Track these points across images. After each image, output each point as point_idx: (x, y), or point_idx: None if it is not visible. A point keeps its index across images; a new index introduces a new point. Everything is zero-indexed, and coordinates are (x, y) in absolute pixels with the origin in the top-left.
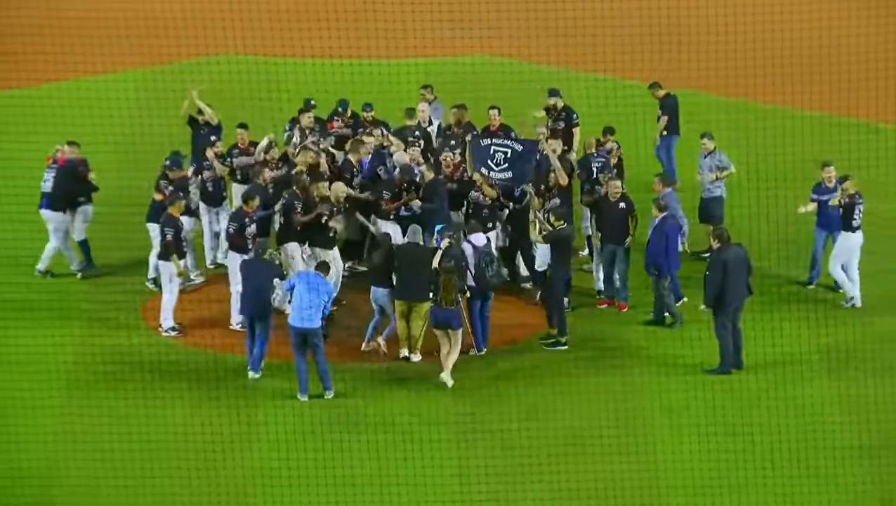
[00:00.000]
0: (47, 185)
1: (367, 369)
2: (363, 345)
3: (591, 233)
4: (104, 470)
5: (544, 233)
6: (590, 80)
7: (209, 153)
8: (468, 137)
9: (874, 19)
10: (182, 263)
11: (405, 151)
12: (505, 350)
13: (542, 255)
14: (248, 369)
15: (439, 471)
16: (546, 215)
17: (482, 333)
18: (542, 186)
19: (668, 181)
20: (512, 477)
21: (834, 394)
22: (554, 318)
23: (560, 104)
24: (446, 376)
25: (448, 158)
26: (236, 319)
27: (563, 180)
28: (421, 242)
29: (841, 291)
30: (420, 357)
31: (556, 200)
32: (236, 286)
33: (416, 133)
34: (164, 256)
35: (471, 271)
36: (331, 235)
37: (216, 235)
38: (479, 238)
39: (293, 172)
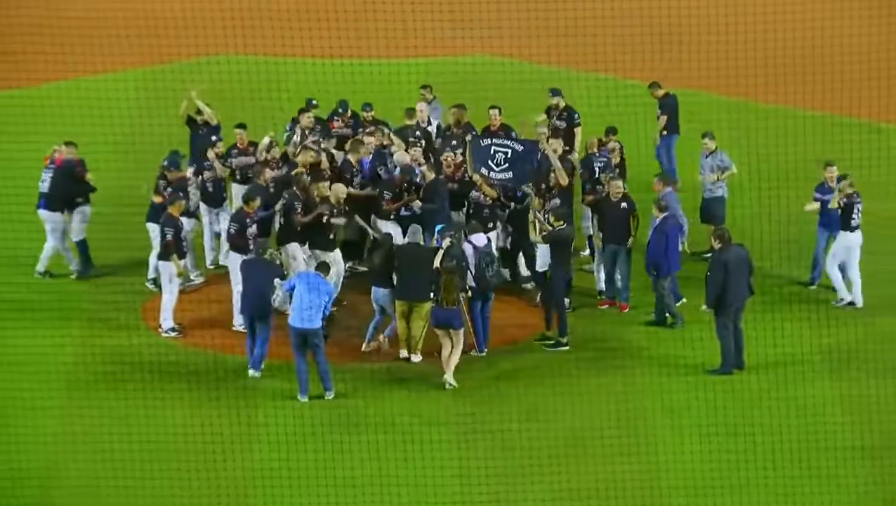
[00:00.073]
0: (45, 185)
1: (368, 370)
2: (363, 345)
3: (591, 233)
4: (104, 471)
5: (544, 233)
6: (591, 80)
7: (210, 154)
8: (468, 138)
9: (876, 19)
10: (182, 263)
11: (406, 151)
12: (506, 351)
13: (543, 255)
14: (249, 368)
15: (440, 472)
16: (546, 216)
17: (483, 334)
18: (543, 187)
19: (667, 181)
20: (513, 478)
21: (835, 394)
22: (552, 319)
23: (562, 104)
24: (450, 378)
25: (449, 158)
26: (239, 321)
27: (564, 181)
28: (421, 242)
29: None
30: (420, 358)
31: (557, 201)
32: (237, 287)
33: (417, 133)
34: (163, 256)
35: (471, 272)
36: (331, 236)
37: (216, 236)
38: (479, 238)
39: (293, 172)
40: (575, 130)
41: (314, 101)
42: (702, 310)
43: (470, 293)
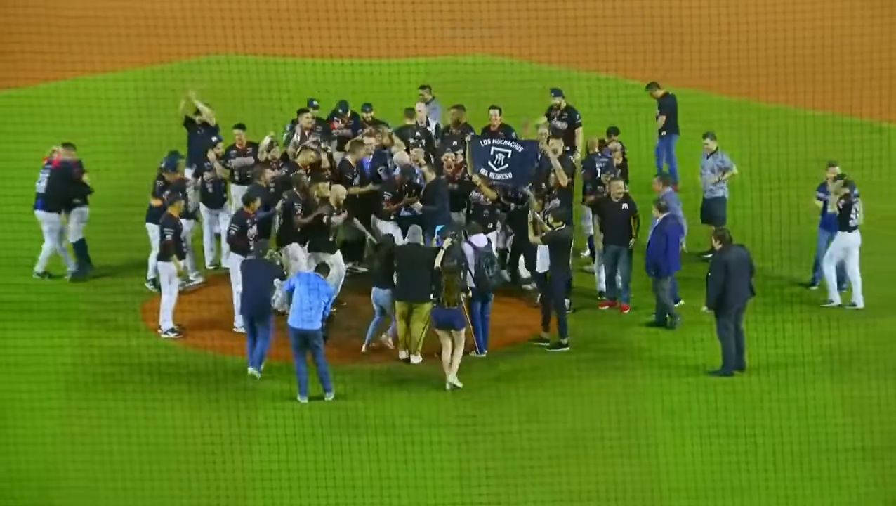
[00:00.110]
0: (41, 185)
1: (368, 371)
2: (363, 346)
3: (591, 233)
4: (103, 472)
5: (543, 234)
6: (591, 80)
7: (211, 155)
8: (468, 138)
9: (878, 18)
10: (182, 263)
11: (407, 151)
12: (506, 352)
13: (543, 256)
14: (249, 367)
15: (440, 473)
16: (545, 217)
17: (483, 335)
18: (543, 187)
19: (667, 181)
20: (513, 479)
21: (837, 396)
22: (549, 321)
23: (563, 104)
24: (453, 379)
25: (449, 159)
26: (239, 322)
27: (564, 181)
28: (421, 243)
29: (842, 290)
30: (420, 359)
31: (556, 202)
32: (237, 287)
33: (417, 134)
34: (163, 256)
35: (471, 272)
36: (331, 238)
37: (216, 237)
38: (479, 239)
39: (293, 173)
40: (576, 130)
41: (315, 102)
42: (702, 311)
43: (471, 293)
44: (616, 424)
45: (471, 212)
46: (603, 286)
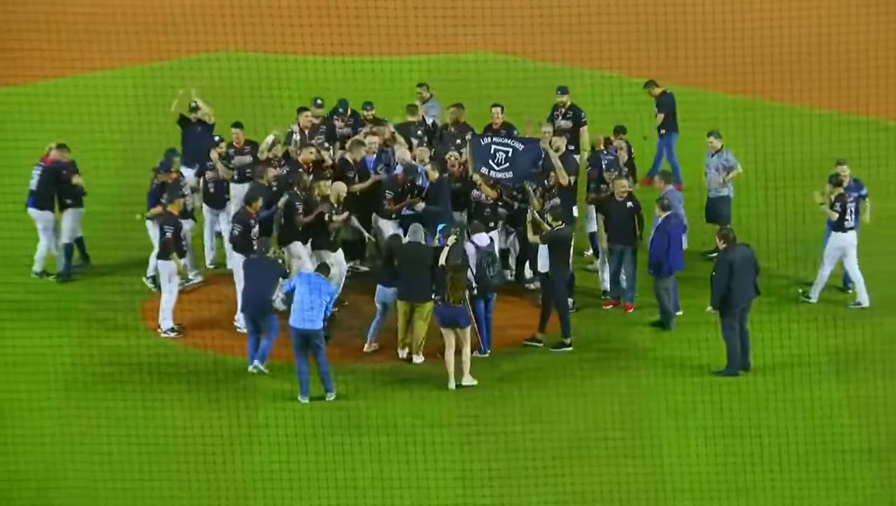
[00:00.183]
0: (33, 183)
1: (369, 371)
2: (365, 346)
3: (593, 230)
4: (102, 472)
5: (542, 233)
6: (595, 78)
7: (213, 154)
8: (468, 136)
9: (884, 16)
10: (182, 262)
11: (410, 149)
12: (509, 352)
13: (543, 256)
14: (253, 362)
15: (442, 474)
16: (545, 216)
17: (486, 335)
18: (543, 186)
19: (668, 179)
20: (516, 480)
21: (843, 396)
22: (547, 321)
23: (568, 102)
24: (468, 379)
25: (453, 158)
26: (241, 321)
27: (564, 180)
28: (423, 241)
29: (847, 290)
30: (423, 358)
31: (557, 200)
32: (241, 285)
33: (419, 132)
34: (163, 255)
35: (472, 271)
36: (332, 237)
37: (217, 235)
38: (481, 238)
39: (295, 171)
40: (581, 129)
41: (320, 101)
42: (707, 311)
43: (475, 291)
44: (620, 424)
45: (472, 210)
46: (607, 285)
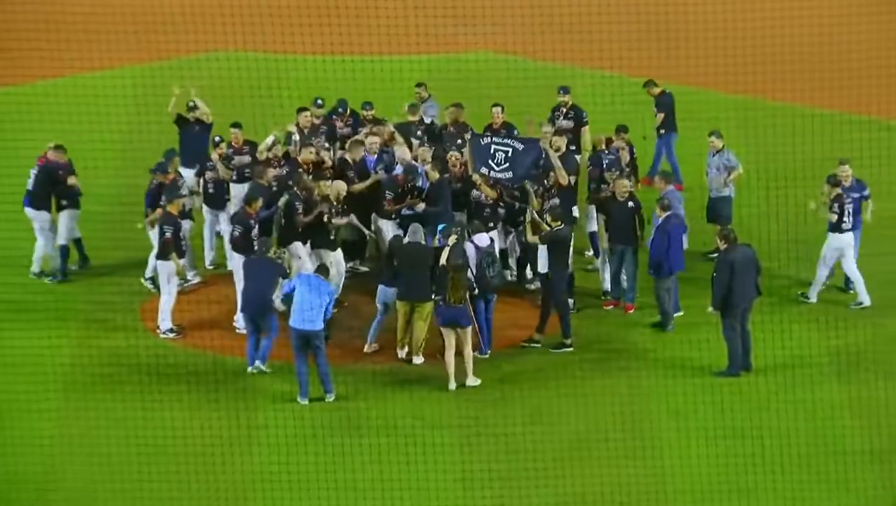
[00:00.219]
0: (30, 182)
1: (369, 372)
2: (365, 347)
3: (593, 230)
4: (101, 474)
5: (541, 234)
6: (596, 77)
7: (214, 155)
8: (467, 136)
9: (885, 15)
10: (182, 262)
11: (410, 148)
12: (509, 352)
13: (542, 256)
14: (255, 362)
15: (442, 475)
16: (544, 216)
17: (486, 335)
18: (543, 185)
19: (669, 179)
20: (516, 482)
21: (844, 397)
22: (546, 322)
23: (570, 102)
24: (472, 380)
25: (454, 158)
26: (241, 322)
27: (563, 180)
28: (422, 241)
29: (849, 290)
30: (423, 359)
31: (556, 200)
32: (241, 286)
33: (419, 131)
34: (162, 255)
35: (472, 271)
36: (332, 236)
37: (217, 236)
38: (482, 238)
39: (294, 171)
40: (583, 129)
41: (320, 101)
42: (708, 311)
43: (476, 291)
44: (620, 425)
45: (471, 211)
46: (607, 286)
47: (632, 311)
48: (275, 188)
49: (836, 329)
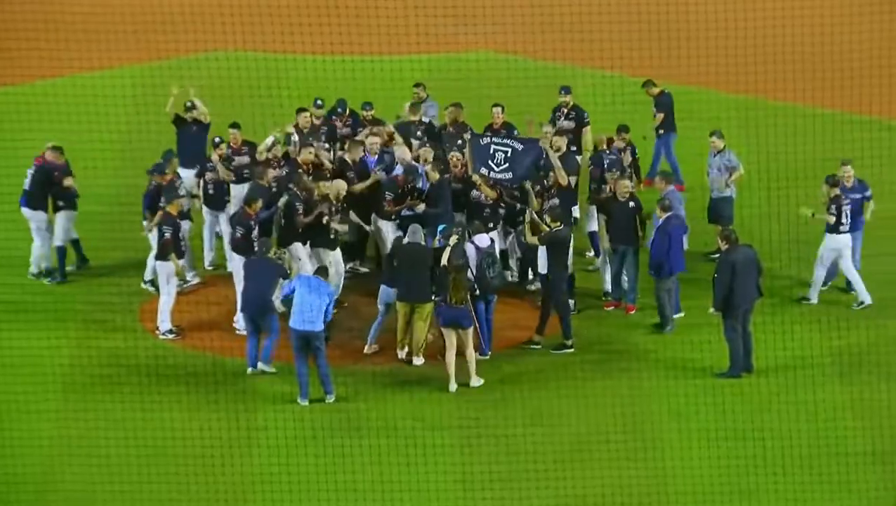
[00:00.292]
0: (26, 182)
1: (369, 373)
2: (366, 347)
3: (593, 229)
4: (100, 475)
5: (540, 234)
6: (596, 77)
7: (214, 156)
8: (467, 136)
9: (887, 15)
10: (181, 262)
11: (410, 149)
12: (509, 353)
13: (542, 257)
14: (259, 363)
15: (442, 477)
16: (543, 216)
17: (486, 336)
18: (543, 185)
19: (669, 179)
20: (517, 483)
21: (846, 398)
22: (546, 323)
23: (571, 102)
24: (475, 381)
25: (455, 158)
26: (241, 323)
27: (563, 180)
28: (422, 242)
29: (851, 291)
30: (423, 360)
31: (555, 201)
32: (241, 286)
33: (419, 132)
34: (161, 255)
35: (472, 272)
36: (331, 235)
37: (217, 236)
38: (482, 239)
39: (294, 172)
40: (584, 129)
41: (320, 101)
42: (709, 312)
43: (478, 291)
44: (622, 426)
45: (471, 211)
46: (608, 286)
47: (633, 312)
48: (274, 189)
49: (837, 330)
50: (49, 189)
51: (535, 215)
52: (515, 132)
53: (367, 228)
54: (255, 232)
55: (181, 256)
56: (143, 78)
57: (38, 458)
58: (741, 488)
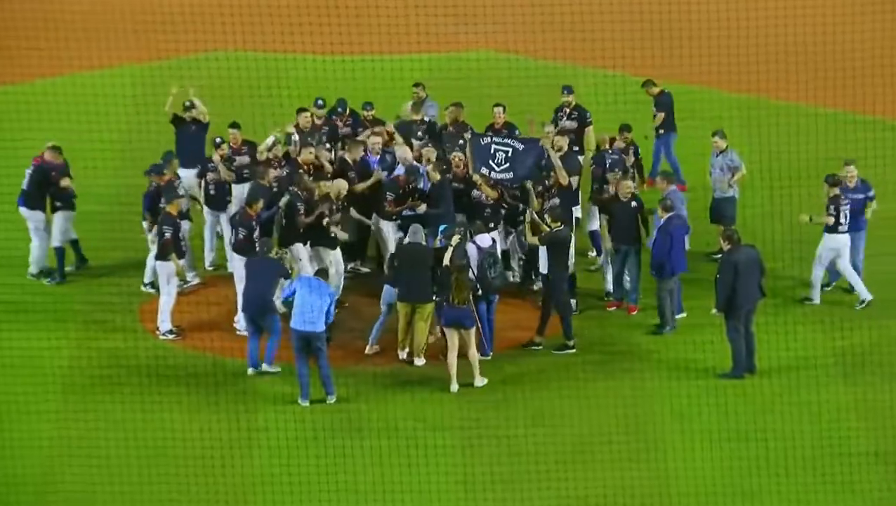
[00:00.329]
0: (25, 182)
1: (370, 373)
2: (367, 348)
3: (594, 228)
4: (100, 476)
5: (541, 234)
6: (598, 77)
7: (215, 156)
8: (467, 136)
9: (890, 14)
10: (181, 262)
11: (411, 148)
12: (511, 354)
13: (543, 257)
14: (262, 365)
15: (444, 478)
16: (543, 217)
17: (488, 337)
18: (544, 184)
19: (671, 179)
20: (518, 484)
21: (849, 399)
22: (546, 324)
23: (573, 102)
24: (479, 380)
25: (457, 158)
26: (241, 324)
27: (564, 180)
28: (423, 242)
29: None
30: (424, 361)
31: (556, 201)
32: (241, 286)
33: (419, 132)
34: (161, 255)
35: (473, 272)
36: (332, 235)
37: (218, 237)
38: (483, 239)
39: (295, 172)
40: (586, 129)
41: (321, 101)
42: (712, 313)
43: (480, 291)
44: (624, 427)
45: (472, 211)
46: (610, 287)
47: (635, 312)
48: (275, 189)
49: (840, 330)
50: (47, 189)
51: (535, 215)
52: (517, 132)
53: (369, 222)
54: (257, 232)
55: (181, 256)
56: (143, 78)
57: (38, 458)
58: (744, 489)
